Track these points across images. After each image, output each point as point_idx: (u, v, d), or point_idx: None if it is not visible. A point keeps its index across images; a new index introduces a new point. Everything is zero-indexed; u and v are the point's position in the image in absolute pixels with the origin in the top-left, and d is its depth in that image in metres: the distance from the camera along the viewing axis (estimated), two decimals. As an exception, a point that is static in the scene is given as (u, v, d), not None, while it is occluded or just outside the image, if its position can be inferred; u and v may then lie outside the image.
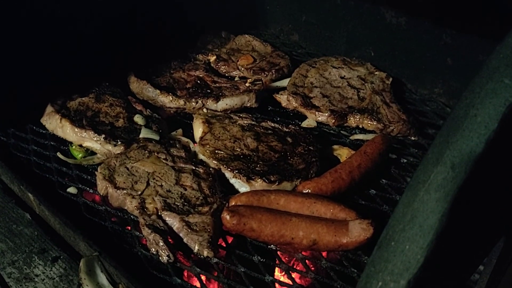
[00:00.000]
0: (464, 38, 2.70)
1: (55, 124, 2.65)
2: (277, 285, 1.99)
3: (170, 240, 2.06)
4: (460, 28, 2.69)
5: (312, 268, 2.16)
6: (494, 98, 1.17)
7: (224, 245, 2.14)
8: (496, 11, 2.12)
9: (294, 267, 2.18)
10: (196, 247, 2.01)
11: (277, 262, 2.07)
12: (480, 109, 1.17)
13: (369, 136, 2.71)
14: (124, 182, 2.26)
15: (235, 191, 2.37)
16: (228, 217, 2.07)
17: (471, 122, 1.16)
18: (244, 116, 2.77)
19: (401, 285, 1.13)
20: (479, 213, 1.39)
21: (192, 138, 2.69)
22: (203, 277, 1.99)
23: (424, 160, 1.20)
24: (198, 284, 1.96)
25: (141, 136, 2.59)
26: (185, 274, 2.15)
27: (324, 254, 2.16)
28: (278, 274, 2.24)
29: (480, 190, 1.29)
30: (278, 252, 2.13)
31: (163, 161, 2.40)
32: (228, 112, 2.86)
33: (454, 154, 1.15)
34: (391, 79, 3.03)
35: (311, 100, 2.94)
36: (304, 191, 2.29)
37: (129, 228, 2.18)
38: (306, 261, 2.09)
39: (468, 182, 1.14)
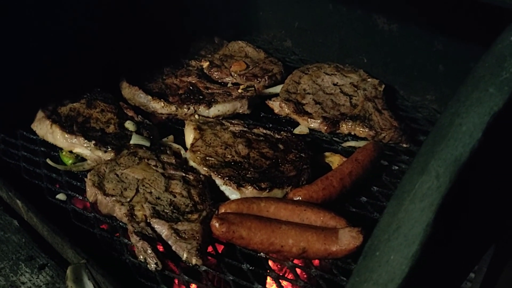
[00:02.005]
0: (456, 45, 2.71)
1: (46, 129, 2.64)
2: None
3: (159, 248, 2.05)
4: (451, 35, 2.70)
5: (303, 276, 2.15)
6: (479, 107, 1.16)
7: (214, 253, 2.13)
8: (487, 18, 2.12)
9: (285, 275, 2.17)
10: (185, 255, 2.00)
11: (267, 270, 2.06)
12: (465, 118, 1.17)
13: (361, 143, 2.71)
14: (113, 189, 2.25)
15: (225, 198, 2.35)
16: (217, 224, 2.05)
17: (456, 131, 1.16)
18: (235, 122, 2.76)
19: (385, 295, 1.12)
20: (466, 222, 1.39)
21: (183, 144, 2.68)
22: (194, 286, 1.98)
23: (409, 170, 1.19)
24: (186, 292, 1.95)
25: (131, 142, 2.57)
26: (176, 282, 2.13)
27: (316, 262, 2.14)
28: (270, 281, 2.23)
29: (466, 199, 1.29)
30: (270, 261, 2.12)
31: (153, 167, 2.39)
32: (220, 118, 2.85)
33: (439, 163, 1.14)
34: (383, 86, 3.03)
35: (303, 106, 2.94)
36: (294, 199, 2.27)
37: (118, 235, 2.17)
38: (296, 269, 2.07)
39: (453, 191, 1.13)
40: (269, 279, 2.20)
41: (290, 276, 2.08)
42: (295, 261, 2.12)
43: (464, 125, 1.16)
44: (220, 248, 2.19)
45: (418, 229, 1.11)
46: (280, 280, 2.01)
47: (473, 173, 1.20)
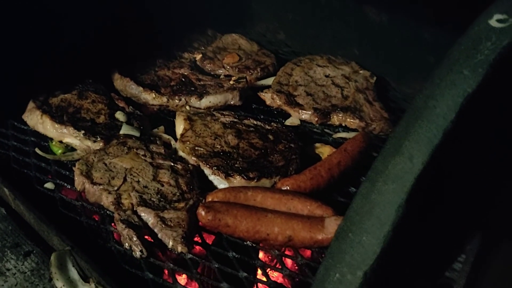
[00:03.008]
0: (445, 36, 2.68)
1: (36, 120, 2.64)
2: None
3: (146, 236, 2.05)
4: (441, 27, 2.69)
5: (290, 265, 2.15)
6: (453, 89, 1.16)
7: (200, 241, 2.13)
8: (477, 10, 2.12)
9: (272, 263, 2.17)
10: (170, 243, 2.00)
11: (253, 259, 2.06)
12: (439, 100, 1.16)
13: (352, 134, 2.71)
14: (101, 178, 2.25)
15: (214, 188, 2.35)
16: (203, 212, 2.06)
17: (430, 113, 1.16)
18: (226, 113, 2.76)
19: (358, 276, 1.12)
20: (442, 205, 1.39)
21: (175, 135, 2.68)
22: (183, 275, 1.98)
23: (382, 151, 1.19)
24: (171, 280, 1.95)
25: (121, 132, 2.58)
26: (166, 272, 2.13)
27: (308, 252, 2.14)
28: (260, 272, 2.23)
29: (441, 181, 1.29)
30: (260, 251, 2.12)
31: (142, 157, 2.39)
32: (212, 109, 2.85)
33: (412, 145, 1.14)
34: (375, 78, 3.03)
35: (295, 98, 2.94)
36: (282, 188, 2.28)
37: (104, 223, 2.17)
38: (283, 258, 2.07)
39: (426, 172, 1.13)
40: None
41: (276, 265, 2.08)
42: (286, 252, 2.11)
43: (438, 107, 1.16)
44: (211, 239, 2.19)
45: (390, 210, 1.11)
46: (266, 269, 2.01)
47: (447, 155, 1.20)
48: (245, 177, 2.31)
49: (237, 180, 2.31)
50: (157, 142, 2.55)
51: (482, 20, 1.27)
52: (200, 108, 2.85)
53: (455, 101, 1.14)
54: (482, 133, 1.35)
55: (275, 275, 2.16)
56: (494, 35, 1.24)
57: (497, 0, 1.36)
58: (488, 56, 1.18)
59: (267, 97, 2.99)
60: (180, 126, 2.65)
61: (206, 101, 2.87)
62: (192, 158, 2.42)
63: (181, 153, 2.49)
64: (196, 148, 2.47)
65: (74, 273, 1.85)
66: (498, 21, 1.26)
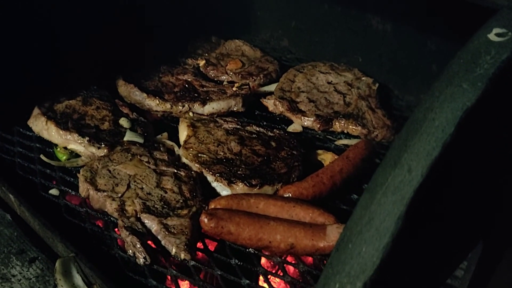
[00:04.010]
0: (448, 45, 2.71)
1: (41, 126, 2.67)
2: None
3: (149, 243, 2.08)
4: (443, 36, 2.71)
5: (291, 272, 2.17)
6: (452, 103, 1.18)
7: (202, 248, 2.15)
8: (478, 19, 2.13)
9: (274, 270, 2.19)
10: (173, 250, 2.02)
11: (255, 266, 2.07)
12: (438, 113, 1.18)
13: (354, 141, 2.72)
14: (105, 185, 2.28)
15: (217, 195, 2.37)
16: (206, 220, 2.08)
17: (429, 126, 1.17)
18: (229, 120, 2.78)
19: (357, 287, 1.14)
20: (442, 216, 1.40)
21: (178, 141, 2.70)
22: (185, 282, 2.00)
23: (382, 163, 1.21)
24: (174, 286, 1.97)
25: (125, 139, 2.60)
26: (169, 278, 2.15)
27: (310, 259, 2.15)
28: (262, 278, 2.24)
29: (441, 193, 1.30)
30: (262, 257, 2.13)
31: (145, 164, 2.41)
32: (215, 116, 2.87)
33: (411, 157, 1.16)
34: (377, 85, 3.04)
35: (297, 104, 2.95)
36: (285, 195, 2.29)
37: (109, 230, 2.19)
38: (284, 265, 2.09)
39: (425, 185, 1.15)
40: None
41: (278, 272, 2.09)
42: (288, 258, 2.13)
43: (437, 120, 1.17)
44: (213, 245, 2.21)
45: (389, 221, 1.13)
46: (268, 276, 2.03)
47: (447, 167, 1.21)
48: (247, 184, 2.33)
49: (240, 187, 2.33)
50: (161, 148, 2.57)
51: (481, 34, 1.29)
52: (203, 115, 2.88)
53: (454, 114, 1.16)
54: (482, 145, 1.37)
55: (277, 281, 2.18)
56: (493, 49, 1.26)
57: (496, 14, 1.37)
58: (487, 70, 1.20)
59: (270, 103, 3.01)
60: (183, 133, 2.68)
61: (209, 108, 2.89)
62: (195, 165, 2.44)
63: (184, 160, 2.51)
64: (199, 154, 2.49)
65: (78, 280, 1.87)
66: (497, 35, 1.28)
